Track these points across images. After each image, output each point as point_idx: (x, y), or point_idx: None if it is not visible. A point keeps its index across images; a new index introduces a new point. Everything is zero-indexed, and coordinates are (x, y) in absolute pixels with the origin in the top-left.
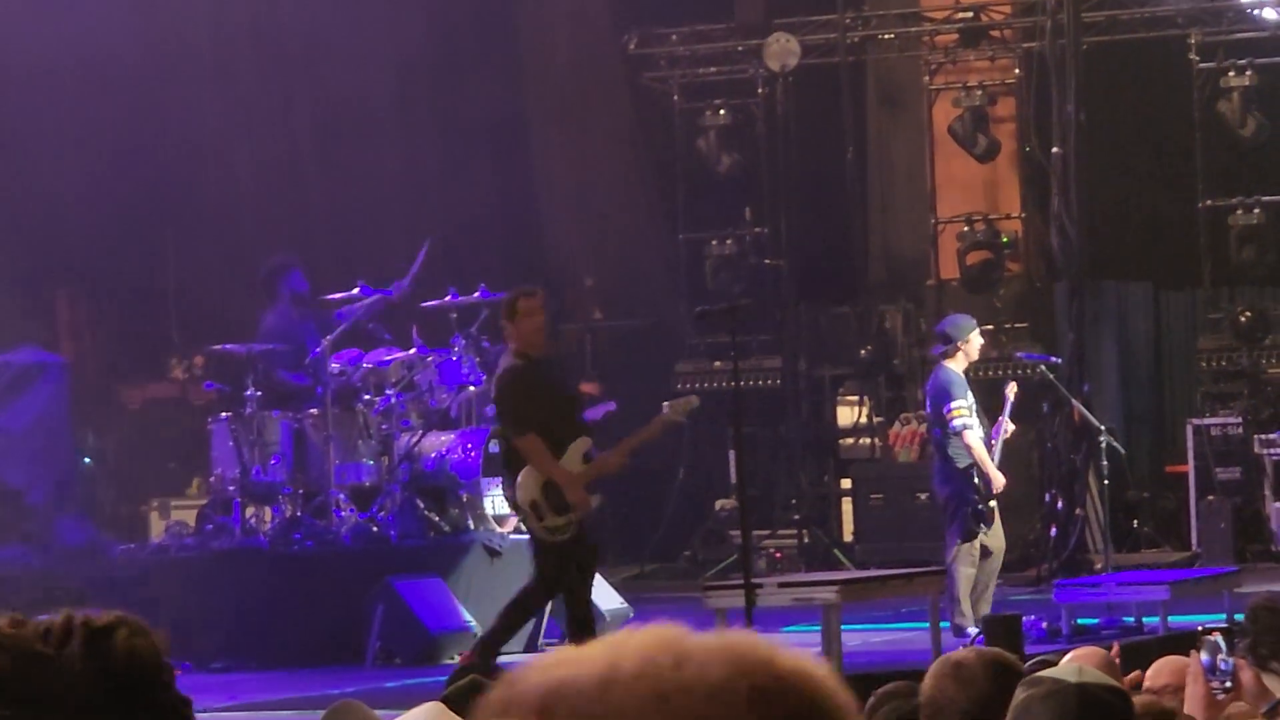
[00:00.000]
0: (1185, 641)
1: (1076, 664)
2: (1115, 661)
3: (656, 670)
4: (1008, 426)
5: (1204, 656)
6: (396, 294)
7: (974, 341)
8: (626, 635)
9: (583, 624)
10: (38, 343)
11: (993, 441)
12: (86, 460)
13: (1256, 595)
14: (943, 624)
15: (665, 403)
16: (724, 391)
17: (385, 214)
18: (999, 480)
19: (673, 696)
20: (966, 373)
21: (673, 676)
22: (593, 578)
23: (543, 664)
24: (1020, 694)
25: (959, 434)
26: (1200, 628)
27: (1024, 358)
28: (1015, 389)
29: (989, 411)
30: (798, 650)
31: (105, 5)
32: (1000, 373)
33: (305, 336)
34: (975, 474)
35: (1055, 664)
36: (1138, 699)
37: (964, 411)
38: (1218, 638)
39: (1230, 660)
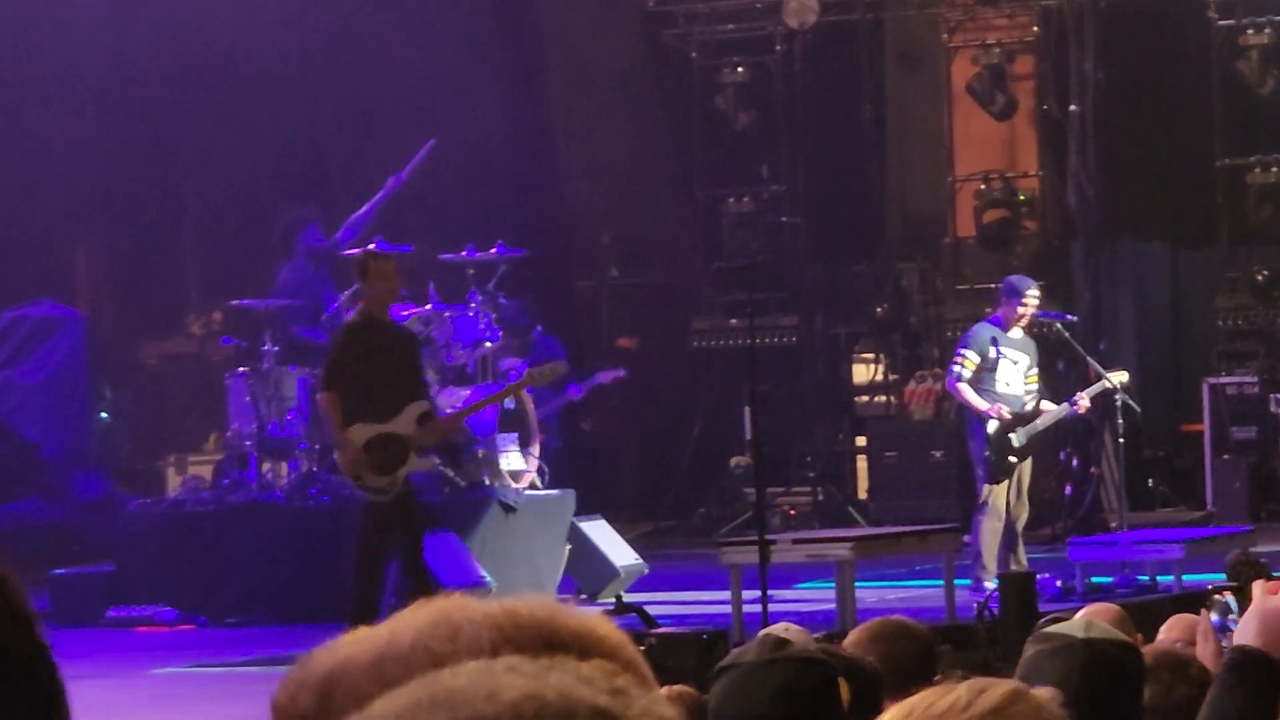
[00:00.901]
0: (1199, 601)
1: (1085, 619)
2: (1127, 618)
3: (430, 643)
4: (1083, 404)
5: (1214, 616)
6: (395, 186)
7: (1018, 304)
8: (410, 610)
9: (414, 586)
10: (55, 297)
11: (1046, 405)
12: (103, 415)
13: (1235, 551)
14: (957, 581)
15: (532, 368)
16: (740, 349)
17: (402, 170)
18: (991, 417)
19: (445, 665)
20: (1031, 334)
21: (446, 648)
22: (421, 539)
23: (335, 643)
24: (1029, 649)
25: (953, 380)
26: (1210, 586)
27: (1041, 316)
28: (1121, 381)
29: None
30: (585, 612)
31: None
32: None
33: (322, 291)
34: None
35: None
36: (1152, 648)
37: (968, 361)
38: (1228, 597)
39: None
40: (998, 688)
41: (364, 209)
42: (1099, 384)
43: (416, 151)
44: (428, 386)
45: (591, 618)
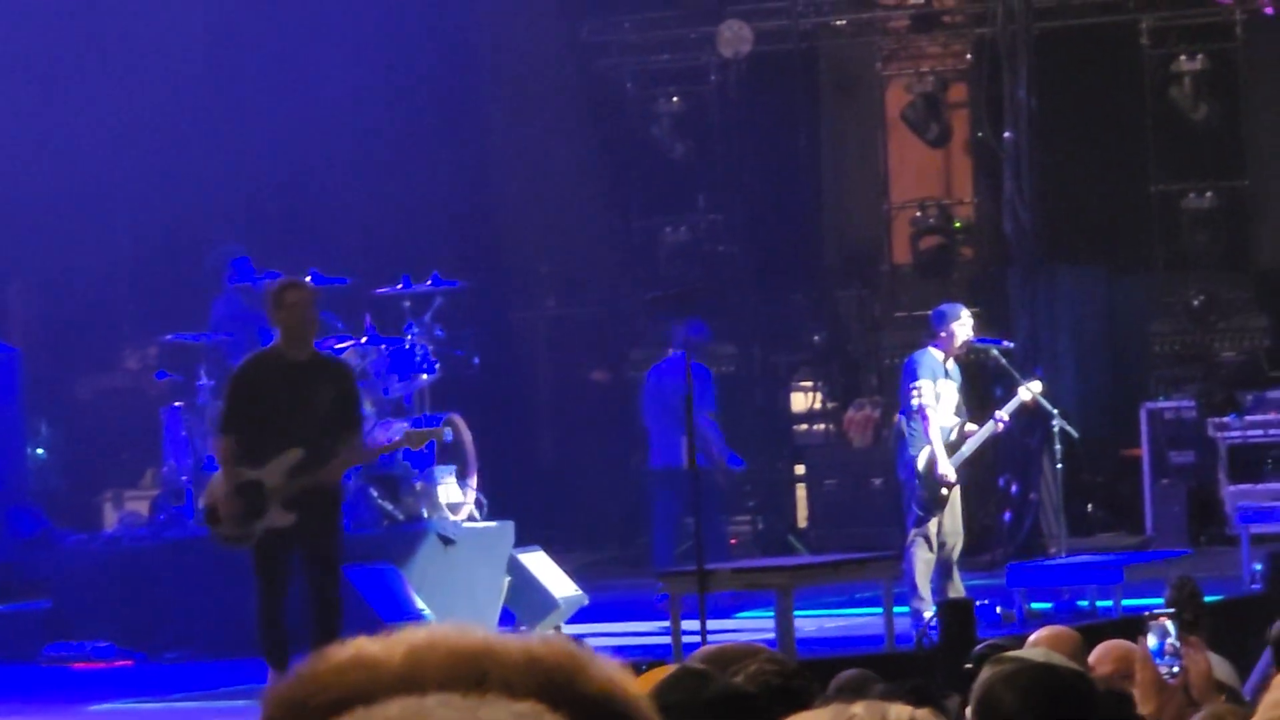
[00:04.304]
0: (1139, 626)
1: (1041, 647)
2: (1082, 642)
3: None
4: (999, 425)
5: (1152, 642)
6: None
7: (957, 330)
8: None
9: (270, 637)
10: None
11: (970, 428)
12: (39, 451)
13: (1179, 574)
14: (896, 608)
15: (408, 429)
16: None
17: (337, 201)
18: (947, 472)
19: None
20: (959, 362)
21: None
22: (283, 593)
23: (336, 663)
24: (984, 674)
25: (917, 413)
26: (1148, 612)
27: (977, 342)
28: (1034, 390)
29: (986, 401)
30: (609, 661)
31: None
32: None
33: (257, 325)
34: (927, 459)
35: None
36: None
37: (926, 390)
38: (1165, 622)
39: (1179, 644)
40: (899, 712)
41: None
42: (1015, 399)
43: (351, 186)
44: (354, 423)
45: (615, 668)
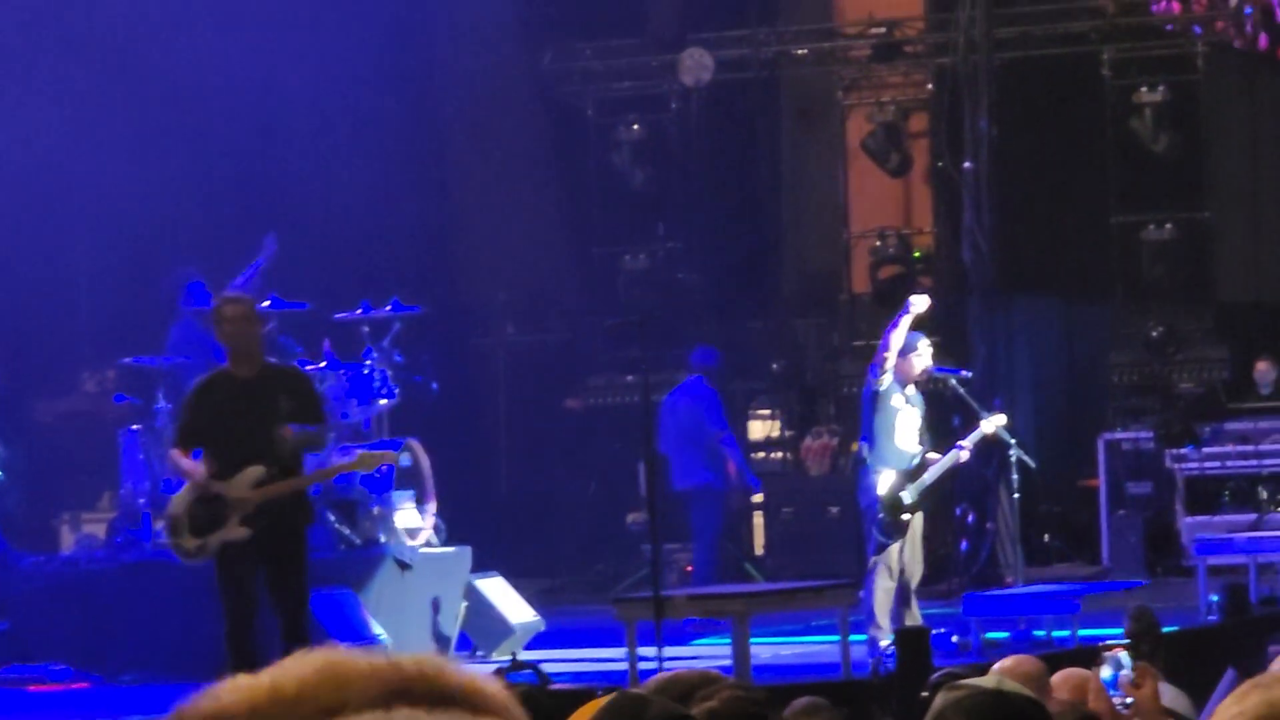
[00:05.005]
0: (1095, 655)
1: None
2: (1046, 670)
3: (318, 693)
4: (962, 454)
5: (1106, 673)
6: (272, 248)
7: (914, 360)
8: (293, 661)
9: (238, 654)
10: None
11: (932, 457)
12: None
13: (1137, 604)
14: (853, 636)
15: (360, 450)
16: (636, 405)
17: (297, 227)
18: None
19: (335, 718)
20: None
21: (335, 699)
22: (250, 611)
23: (212, 691)
24: (937, 700)
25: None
26: (1102, 644)
27: (935, 372)
28: (998, 424)
29: (943, 430)
30: (473, 669)
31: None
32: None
33: (213, 348)
34: (885, 484)
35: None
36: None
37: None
38: (1119, 653)
39: (1133, 675)
40: None
41: (242, 275)
42: (978, 430)
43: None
44: (319, 421)
45: (479, 675)
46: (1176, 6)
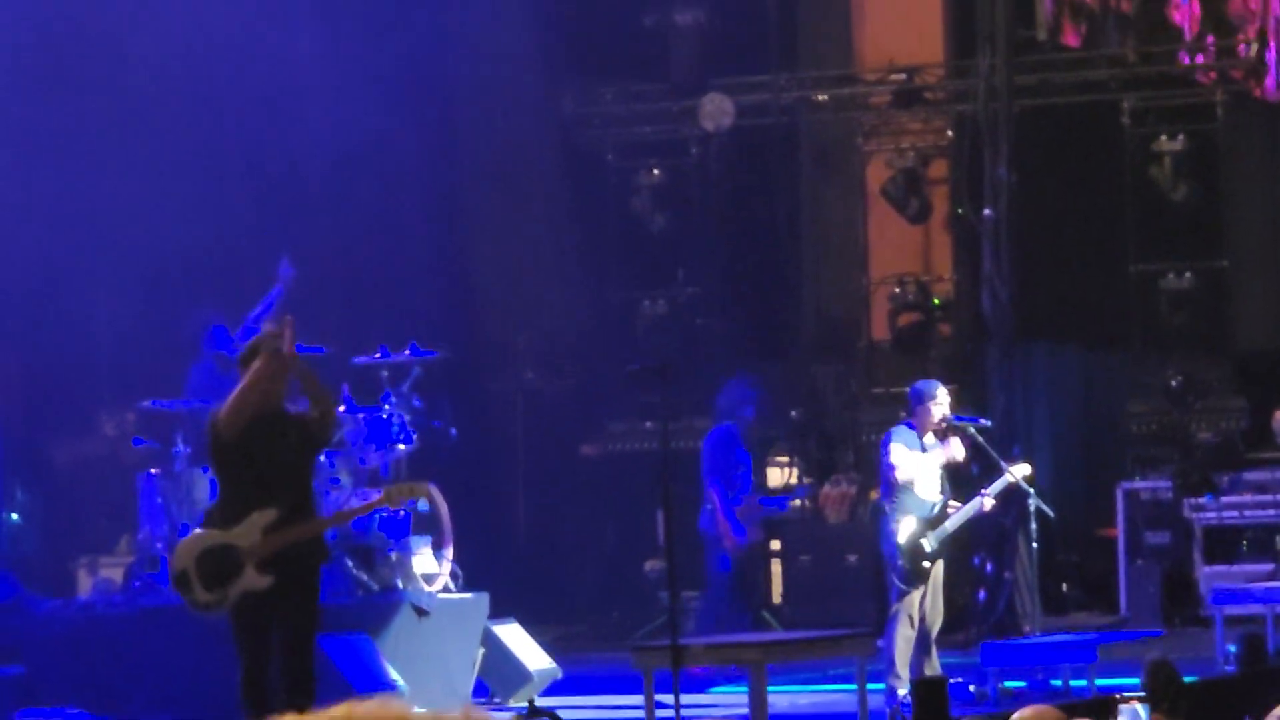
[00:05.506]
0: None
1: None
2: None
3: None
4: (986, 501)
5: None
6: (287, 277)
7: (933, 408)
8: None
9: (253, 702)
10: None
11: (954, 505)
12: (14, 516)
13: (1153, 654)
14: (871, 685)
15: (390, 487)
16: (654, 451)
17: (317, 271)
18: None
19: None
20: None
21: None
22: (266, 659)
23: None
24: None
25: (891, 472)
26: (1118, 695)
27: (954, 420)
28: (1023, 473)
29: (962, 479)
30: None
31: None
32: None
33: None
34: (908, 532)
35: None
36: None
37: (896, 454)
38: (1136, 705)
39: None
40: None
41: (259, 306)
42: (1002, 480)
43: (330, 255)
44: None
45: None
46: (1201, 58)
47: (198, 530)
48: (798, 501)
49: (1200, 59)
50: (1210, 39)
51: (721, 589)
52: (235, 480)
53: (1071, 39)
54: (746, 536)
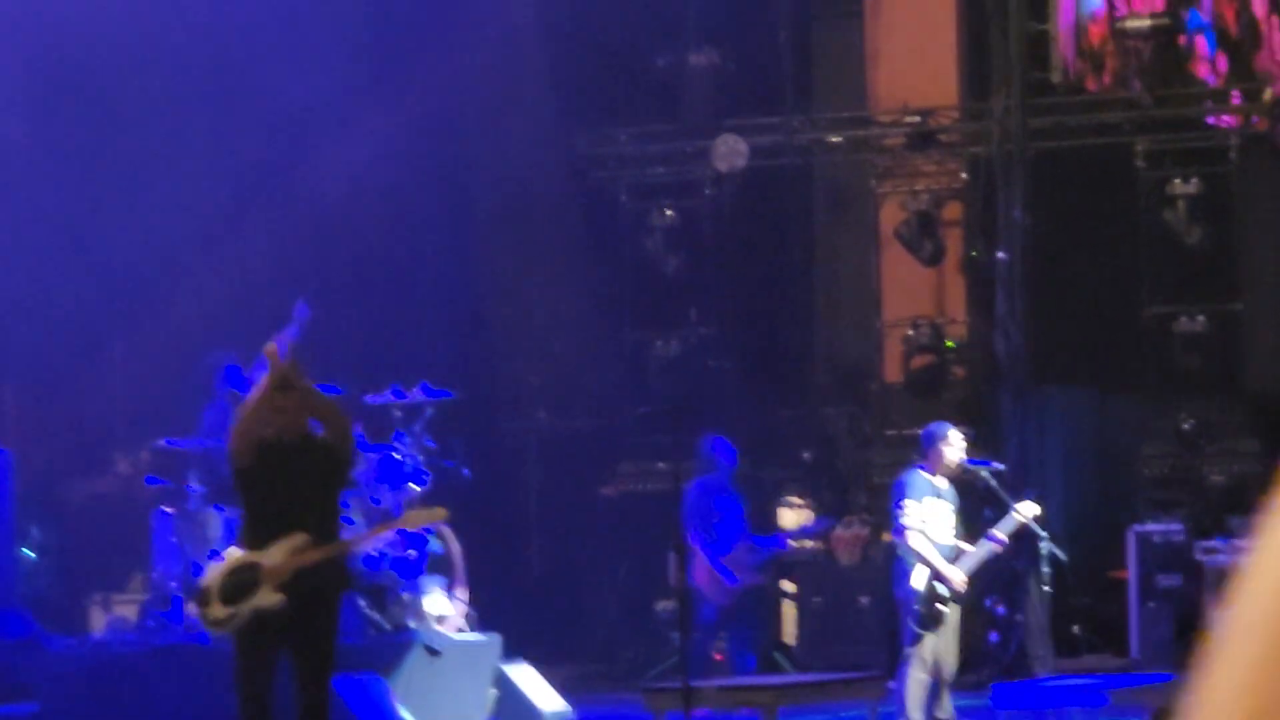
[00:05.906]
0: None
1: None
2: None
3: None
4: (996, 545)
5: None
6: (303, 316)
7: (945, 451)
8: None
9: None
10: None
11: (964, 547)
12: (29, 553)
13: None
14: None
15: (410, 510)
16: (666, 492)
17: (330, 311)
18: (955, 578)
19: None
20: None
21: None
22: (266, 685)
23: None
24: None
25: (902, 534)
26: None
27: (968, 463)
28: (1031, 513)
29: (975, 522)
30: None
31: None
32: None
33: None
34: (925, 578)
35: None
36: None
37: (911, 510)
38: None
39: None
40: None
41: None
42: (1010, 519)
43: (343, 295)
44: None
45: None
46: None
47: (231, 548)
48: (809, 542)
49: (1225, 118)
50: (1235, 94)
51: (708, 635)
52: (260, 507)
53: (1092, 86)
54: (740, 581)
